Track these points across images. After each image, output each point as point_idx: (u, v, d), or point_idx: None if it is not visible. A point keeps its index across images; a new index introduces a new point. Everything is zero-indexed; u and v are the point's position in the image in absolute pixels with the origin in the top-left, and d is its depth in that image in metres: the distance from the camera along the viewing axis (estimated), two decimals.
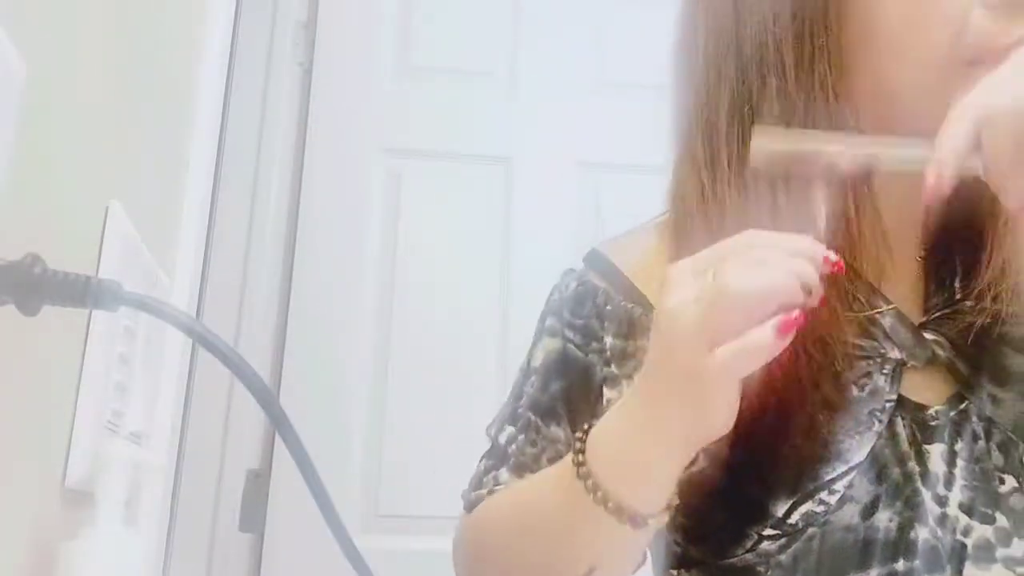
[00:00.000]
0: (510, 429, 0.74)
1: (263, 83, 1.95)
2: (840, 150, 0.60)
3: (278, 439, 1.38)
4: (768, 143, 0.62)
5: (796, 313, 0.53)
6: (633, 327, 0.71)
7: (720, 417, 0.56)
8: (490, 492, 0.73)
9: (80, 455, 0.62)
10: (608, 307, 0.73)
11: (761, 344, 0.53)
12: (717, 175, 0.68)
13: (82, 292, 0.49)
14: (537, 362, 0.75)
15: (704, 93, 0.70)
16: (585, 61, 2.06)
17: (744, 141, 0.66)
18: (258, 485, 1.78)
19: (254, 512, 1.76)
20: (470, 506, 0.74)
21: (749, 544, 0.64)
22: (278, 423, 0.53)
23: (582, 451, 0.61)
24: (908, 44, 0.63)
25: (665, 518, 0.61)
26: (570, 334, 0.74)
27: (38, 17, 0.52)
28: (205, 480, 1.75)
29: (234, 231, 1.86)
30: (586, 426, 0.63)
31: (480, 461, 0.76)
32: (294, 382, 1.81)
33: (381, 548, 1.53)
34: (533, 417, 0.73)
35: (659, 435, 0.58)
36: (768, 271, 0.54)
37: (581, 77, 2.05)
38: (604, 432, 0.61)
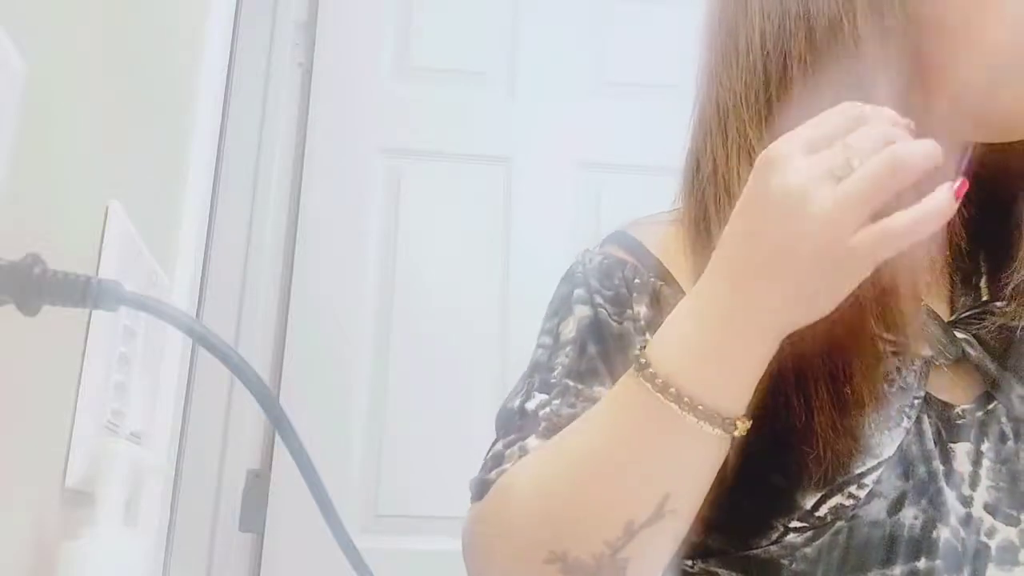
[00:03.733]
0: (541, 396, 0.68)
1: (263, 83, 1.95)
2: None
3: (278, 439, 1.38)
4: None
5: (963, 177, 0.52)
6: (659, 302, 0.69)
7: (838, 299, 0.54)
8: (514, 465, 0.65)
9: (80, 455, 0.61)
10: (636, 280, 0.71)
11: (940, 210, 0.51)
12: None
13: (82, 292, 0.49)
14: (570, 333, 0.70)
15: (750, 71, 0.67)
16: (585, 61, 2.06)
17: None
18: (258, 485, 1.78)
19: (254, 512, 1.76)
20: (484, 489, 0.66)
21: (774, 536, 0.63)
22: (278, 423, 0.53)
23: (648, 365, 0.57)
24: (968, 41, 0.62)
25: (748, 425, 0.58)
26: (600, 301, 0.70)
27: (38, 17, 0.52)
28: (205, 480, 1.75)
29: (234, 231, 1.87)
30: (640, 345, 0.59)
31: (494, 444, 0.69)
32: (294, 382, 1.81)
33: (381, 548, 1.53)
34: (571, 383, 0.68)
35: (749, 324, 0.55)
36: (925, 141, 0.52)
37: (581, 77, 2.05)
38: (670, 339, 0.58)
